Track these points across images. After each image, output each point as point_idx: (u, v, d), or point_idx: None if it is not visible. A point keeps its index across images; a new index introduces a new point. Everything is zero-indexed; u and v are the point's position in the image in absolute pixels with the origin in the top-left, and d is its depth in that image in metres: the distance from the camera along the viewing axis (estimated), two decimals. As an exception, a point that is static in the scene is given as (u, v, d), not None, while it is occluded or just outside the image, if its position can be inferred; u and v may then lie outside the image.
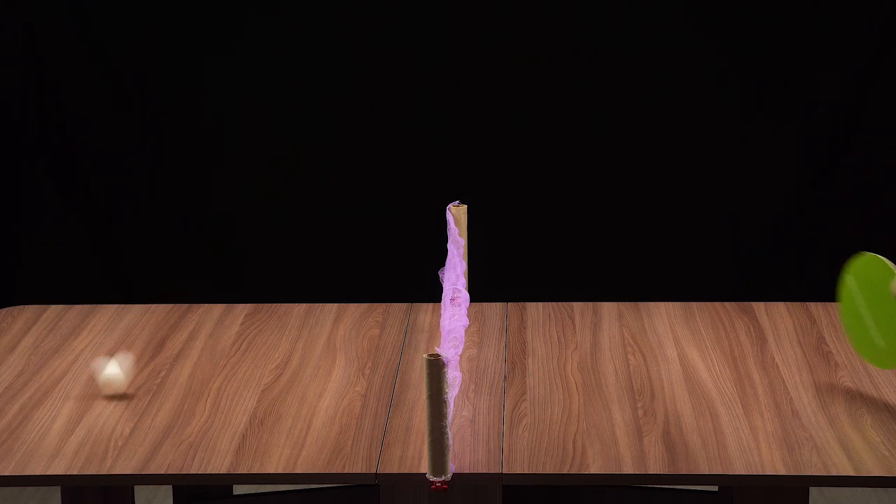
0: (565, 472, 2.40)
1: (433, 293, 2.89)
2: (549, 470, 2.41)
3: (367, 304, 3.12)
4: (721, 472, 2.40)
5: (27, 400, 2.69)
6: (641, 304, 3.11)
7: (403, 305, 3.12)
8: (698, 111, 4.48)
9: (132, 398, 2.69)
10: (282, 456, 2.46)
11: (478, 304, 3.11)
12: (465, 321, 2.58)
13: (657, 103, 4.47)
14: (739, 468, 2.40)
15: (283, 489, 3.44)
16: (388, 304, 3.12)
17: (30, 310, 3.13)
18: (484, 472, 2.40)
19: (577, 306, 3.11)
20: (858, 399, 2.65)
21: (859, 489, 4.10)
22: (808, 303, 3.11)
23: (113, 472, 2.42)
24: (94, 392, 2.72)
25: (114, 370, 2.69)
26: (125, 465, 2.44)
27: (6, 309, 3.15)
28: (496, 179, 4.54)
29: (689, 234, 4.58)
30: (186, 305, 3.14)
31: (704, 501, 3.15)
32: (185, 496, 3.23)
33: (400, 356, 2.87)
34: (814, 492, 4.05)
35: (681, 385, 2.72)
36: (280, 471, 2.42)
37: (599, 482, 2.41)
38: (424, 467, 2.40)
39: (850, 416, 2.58)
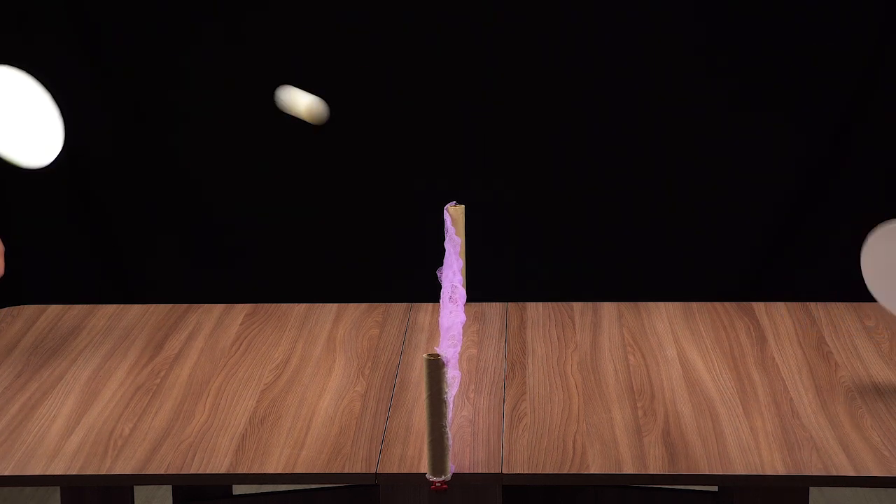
0: (565, 472, 2.40)
1: (433, 293, 2.89)
2: (548, 470, 2.41)
3: (367, 304, 3.12)
4: (721, 472, 2.40)
5: (27, 400, 2.69)
6: (641, 304, 3.11)
7: (403, 305, 3.12)
8: (698, 111, 4.48)
9: (132, 398, 2.69)
10: (281, 456, 2.46)
11: (477, 304, 3.11)
12: (463, 317, 2.58)
13: (657, 103, 4.47)
14: (739, 468, 2.40)
15: (283, 489, 3.44)
16: (388, 304, 3.12)
17: (30, 310, 3.13)
18: (484, 472, 2.40)
19: (577, 306, 3.11)
20: (858, 399, 2.65)
21: (859, 489, 4.10)
22: (808, 303, 3.11)
23: (112, 472, 2.42)
24: (94, 391, 2.72)
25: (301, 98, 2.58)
26: (125, 465, 2.44)
27: (6, 309, 3.15)
28: (495, 180, 4.54)
29: (689, 234, 4.58)
30: (186, 305, 3.14)
31: (704, 501, 3.15)
32: (184, 496, 3.23)
33: (400, 356, 2.87)
34: (814, 492, 4.05)
35: (681, 385, 2.72)
36: (280, 471, 2.42)
37: (599, 482, 2.41)
38: (424, 467, 2.40)
39: (850, 416, 2.58)
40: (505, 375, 2.77)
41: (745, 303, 3.12)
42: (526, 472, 2.41)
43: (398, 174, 4.56)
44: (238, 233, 4.64)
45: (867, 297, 2.80)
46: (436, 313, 3.06)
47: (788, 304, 3.11)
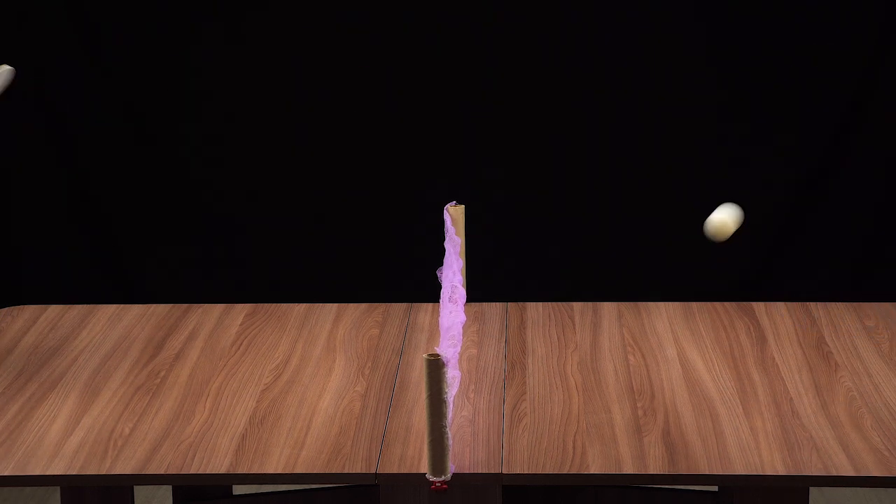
0: (565, 472, 2.40)
1: (433, 293, 2.89)
2: (548, 470, 2.41)
3: (367, 304, 3.12)
4: (721, 472, 2.40)
5: (27, 400, 2.69)
6: (641, 304, 3.11)
7: (403, 305, 3.12)
8: (698, 111, 4.48)
9: (132, 398, 2.69)
10: (281, 456, 2.46)
11: (477, 304, 3.11)
12: (463, 317, 2.58)
13: (657, 103, 4.48)
14: (739, 468, 2.40)
15: (283, 489, 3.44)
16: (388, 304, 3.12)
17: (30, 310, 3.13)
18: (484, 472, 2.40)
19: (577, 306, 3.11)
20: (858, 399, 2.65)
21: (859, 489, 4.10)
22: (808, 303, 3.11)
23: (112, 472, 2.42)
24: (94, 391, 2.72)
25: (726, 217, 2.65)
26: (125, 465, 2.44)
27: (6, 309, 3.15)
28: (495, 180, 4.54)
29: (690, 234, 4.58)
30: (186, 305, 3.14)
31: (704, 501, 3.15)
32: (184, 496, 3.23)
33: (400, 356, 2.87)
34: (814, 492, 4.05)
35: (681, 385, 2.72)
36: (280, 471, 2.42)
37: (599, 482, 2.41)
38: (424, 467, 2.40)
39: (850, 416, 2.58)
40: (505, 375, 2.77)
41: (745, 303, 3.12)
42: (526, 472, 2.41)
43: (398, 174, 4.56)
44: (238, 233, 4.64)
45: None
46: (436, 313, 3.06)
47: (788, 304, 3.11)
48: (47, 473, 2.43)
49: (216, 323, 3.05)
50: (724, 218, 2.67)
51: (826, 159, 4.51)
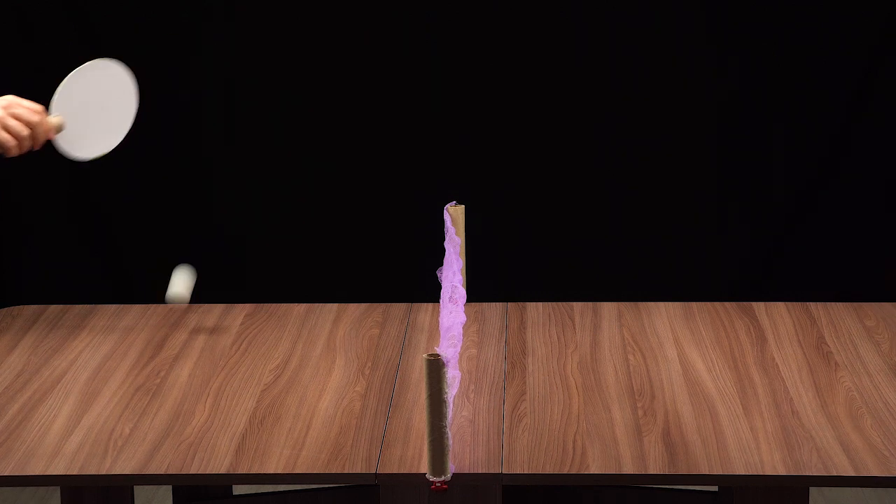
0: (565, 472, 2.40)
1: (433, 293, 2.89)
2: (548, 470, 2.41)
3: (367, 304, 3.12)
4: (721, 472, 2.40)
5: (27, 400, 2.69)
6: (641, 304, 3.11)
7: (403, 305, 3.12)
8: (698, 111, 4.48)
9: (132, 398, 2.69)
10: (281, 456, 2.46)
11: (477, 304, 3.11)
12: (463, 318, 2.58)
13: (657, 103, 4.47)
14: (739, 468, 2.40)
15: (283, 489, 3.43)
16: (388, 304, 3.12)
17: (30, 310, 3.13)
18: (484, 472, 2.40)
19: (577, 306, 3.11)
20: (858, 399, 2.65)
21: (859, 489, 4.10)
22: (808, 303, 3.11)
23: (112, 472, 2.42)
24: (94, 391, 2.72)
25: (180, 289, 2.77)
26: (125, 465, 2.44)
27: (6, 309, 3.15)
28: (495, 179, 4.54)
29: (689, 234, 4.58)
30: (186, 305, 3.14)
31: (704, 501, 3.15)
32: (184, 496, 3.23)
33: (400, 356, 2.87)
34: (814, 492, 4.05)
35: (681, 385, 2.72)
36: (280, 471, 2.42)
37: (599, 482, 2.41)
38: (424, 467, 2.40)
39: (850, 416, 2.58)
40: (505, 375, 2.77)
41: (745, 303, 3.12)
42: (526, 472, 2.41)
43: (398, 174, 4.56)
44: (238, 233, 4.63)
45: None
46: (436, 313, 3.06)
47: (788, 304, 3.11)
48: (47, 473, 2.43)
49: (216, 323, 3.05)
50: (180, 291, 2.84)
51: (826, 159, 4.51)
